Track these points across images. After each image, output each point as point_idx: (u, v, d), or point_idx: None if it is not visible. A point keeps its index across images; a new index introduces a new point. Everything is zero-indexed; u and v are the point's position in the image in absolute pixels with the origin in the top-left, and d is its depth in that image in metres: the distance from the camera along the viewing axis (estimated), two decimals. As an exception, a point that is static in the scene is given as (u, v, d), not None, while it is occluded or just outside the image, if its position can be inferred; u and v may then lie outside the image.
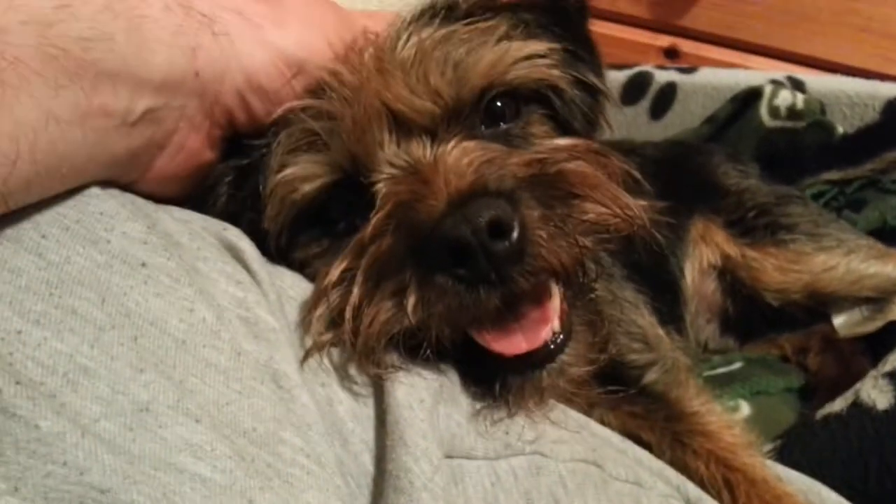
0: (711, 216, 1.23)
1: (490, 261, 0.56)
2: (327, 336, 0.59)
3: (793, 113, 1.45)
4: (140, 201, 0.60)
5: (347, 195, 0.67)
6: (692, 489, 0.75)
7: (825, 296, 1.17)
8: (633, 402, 0.87)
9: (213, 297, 0.54)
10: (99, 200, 0.54)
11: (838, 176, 1.44)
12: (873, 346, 1.13)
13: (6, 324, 0.45)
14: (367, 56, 0.67)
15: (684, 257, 1.21)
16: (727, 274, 1.22)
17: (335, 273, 0.61)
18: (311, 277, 0.67)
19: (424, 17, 0.70)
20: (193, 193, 0.69)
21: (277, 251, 0.68)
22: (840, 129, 1.44)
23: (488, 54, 0.67)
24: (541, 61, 0.71)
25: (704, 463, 0.81)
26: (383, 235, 0.60)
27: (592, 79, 0.77)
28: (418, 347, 0.59)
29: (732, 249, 1.20)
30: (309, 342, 0.59)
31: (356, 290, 0.59)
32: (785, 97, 1.45)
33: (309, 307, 0.61)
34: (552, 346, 0.63)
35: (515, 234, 0.56)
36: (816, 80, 1.51)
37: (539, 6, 0.78)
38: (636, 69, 1.62)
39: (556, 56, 0.73)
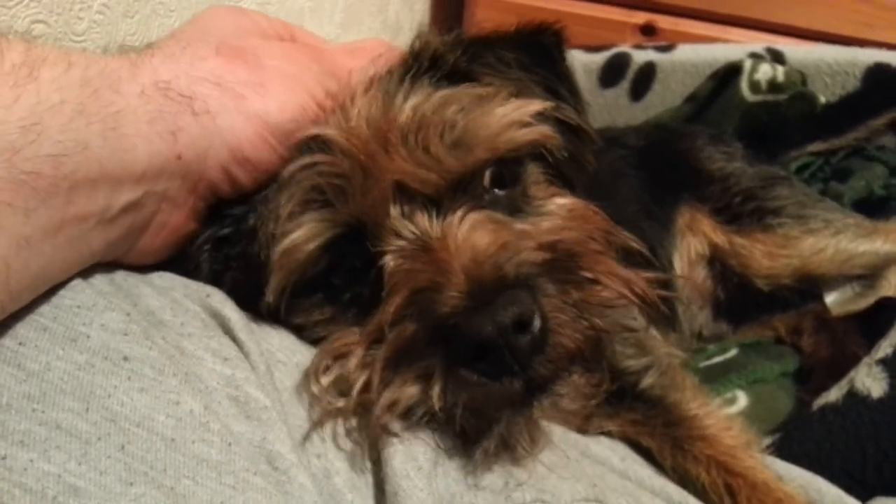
0: (697, 205, 1.22)
1: (514, 355, 0.57)
2: (340, 404, 0.60)
3: (774, 86, 1.44)
4: (119, 277, 0.60)
5: (350, 259, 0.66)
6: (694, 504, 0.76)
7: (815, 278, 1.17)
8: (632, 409, 0.88)
9: (201, 380, 0.54)
10: (75, 292, 0.53)
11: (823, 147, 1.44)
12: (867, 330, 1.13)
13: None
14: (356, 115, 0.66)
15: (672, 249, 1.21)
16: (716, 262, 1.22)
17: (356, 360, 0.61)
18: (309, 340, 0.68)
19: (411, 72, 0.69)
20: (176, 259, 0.68)
21: (270, 314, 0.67)
22: (822, 99, 1.43)
23: (489, 121, 0.67)
24: (539, 125, 0.71)
25: (705, 469, 0.82)
26: (402, 321, 0.60)
27: (576, 118, 0.77)
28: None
29: (720, 238, 1.20)
30: (316, 411, 0.59)
31: (377, 376, 0.59)
32: (765, 71, 1.44)
33: (314, 374, 0.62)
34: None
35: (537, 326, 0.57)
36: (796, 51, 1.50)
37: (519, 44, 0.78)
38: (614, 50, 1.60)
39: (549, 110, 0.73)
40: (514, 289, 0.58)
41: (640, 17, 1.78)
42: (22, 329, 0.50)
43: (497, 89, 0.70)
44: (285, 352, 0.63)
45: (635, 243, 0.72)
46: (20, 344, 0.49)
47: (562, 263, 0.63)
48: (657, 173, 1.25)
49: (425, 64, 0.71)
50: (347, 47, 0.76)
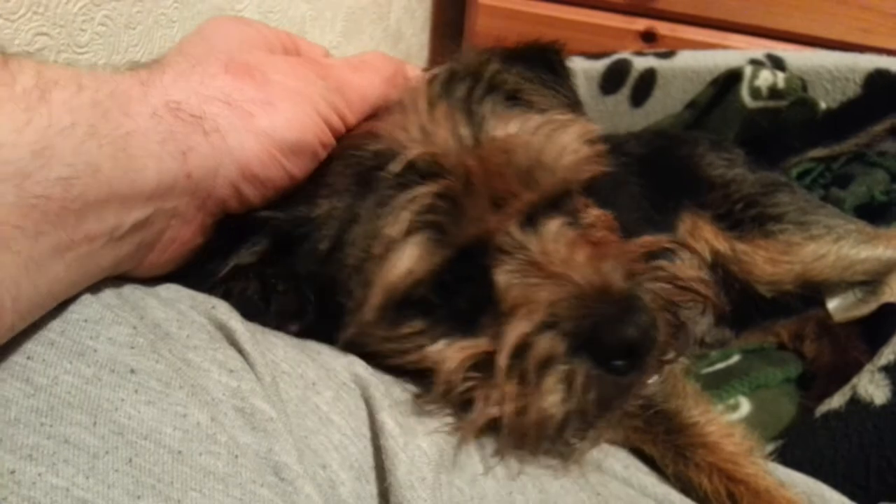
0: (698, 211, 1.23)
1: (644, 353, 0.66)
2: (490, 412, 0.65)
3: (774, 92, 1.44)
4: (126, 289, 0.60)
5: (448, 275, 0.68)
6: (696, 513, 0.76)
7: (817, 284, 1.18)
8: (633, 415, 0.88)
9: (207, 392, 0.54)
10: (82, 306, 0.54)
11: (824, 153, 1.44)
12: (869, 336, 1.14)
13: None
14: (441, 135, 0.68)
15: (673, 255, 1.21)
16: (718, 268, 1.22)
17: (502, 372, 0.65)
18: (392, 350, 0.71)
19: (477, 91, 0.72)
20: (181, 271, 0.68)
21: (361, 329, 0.70)
22: (823, 105, 1.44)
23: (571, 145, 0.72)
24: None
25: (707, 477, 0.82)
26: (541, 333, 0.65)
27: None
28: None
29: (721, 244, 1.20)
30: (435, 423, 0.64)
31: (526, 387, 0.66)
32: (765, 77, 1.44)
33: (443, 386, 0.67)
34: None
35: (656, 330, 0.66)
36: (796, 57, 1.50)
37: (533, 61, 0.81)
38: (614, 57, 1.60)
39: None
40: (634, 297, 0.66)
41: (641, 24, 1.79)
42: (29, 344, 0.50)
43: (571, 114, 0.75)
44: (290, 362, 0.63)
45: (670, 244, 0.79)
46: (28, 358, 0.49)
47: (654, 272, 0.71)
48: (658, 180, 1.25)
49: (485, 83, 0.74)
50: (352, 62, 0.76)
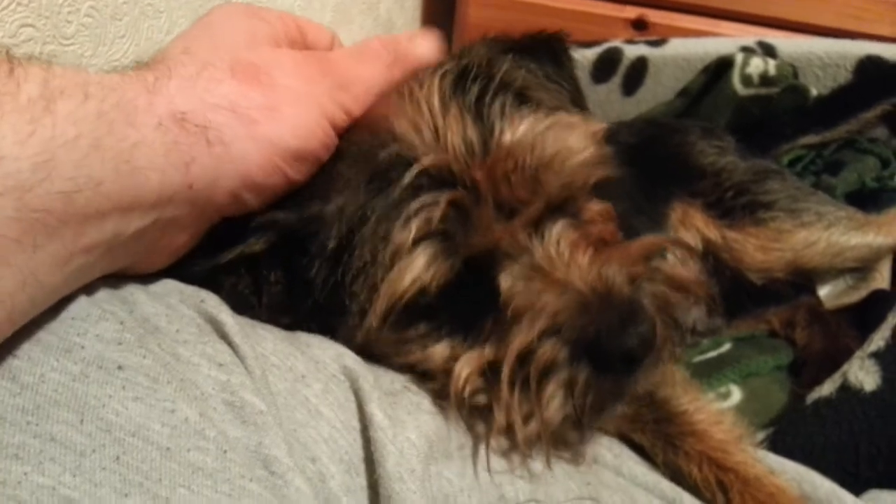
0: (689, 200, 1.23)
1: (643, 357, 0.68)
2: (501, 420, 0.67)
3: (766, 80, 1.44)
4: (115, 284, 0.60)
5: (456, 282, 0.68)
6: (688, 501, 0.76)
7: (808, 271, 1.18)
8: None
9: (196, 386, 0.54)
10: (69, 302, 0.54)
11: (815, 140, 1.44)
12: (860, 322, 1.14)
13: None
14: (451, 139, 0.67)
15: (664, 244, 1.21)
16: (709, 256, 1.22)
17: (508, 382, 0.66)
18: (396, 352, 0.72)
19: (491, 89, 0.71)
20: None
21: (366, 336, 0.70)
22: (814, 92, 1.44)
23: (578, 147, 0.72)
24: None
25: (697, 465, 0.82)
26: (544, 340, 0.66)
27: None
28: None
29: (712, 232, 1.20)
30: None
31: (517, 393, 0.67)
32: (757, 64, 1.44)
33: (458, 394, 0.68)
34: None
35: (655, 336, 0.68)
36: (787, 44, 1.50)
37: (536, 53, 0.81)
38: (605, 46, 1.59)
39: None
40: (636, 303, 0.68)
41: (632, 12, 1.78)
42: (15, 341, 0.50)
43: (580, 115, 0.76)
44: (279, 355, 0.63)
45: (669, 244, 0.85)
46: (13, 356, 0.49)
47: (653, 274, 0.72)
48: (649, 169, 1.25)
49: (497, 83, 0.72)
50: (352, 52, 0.74)
